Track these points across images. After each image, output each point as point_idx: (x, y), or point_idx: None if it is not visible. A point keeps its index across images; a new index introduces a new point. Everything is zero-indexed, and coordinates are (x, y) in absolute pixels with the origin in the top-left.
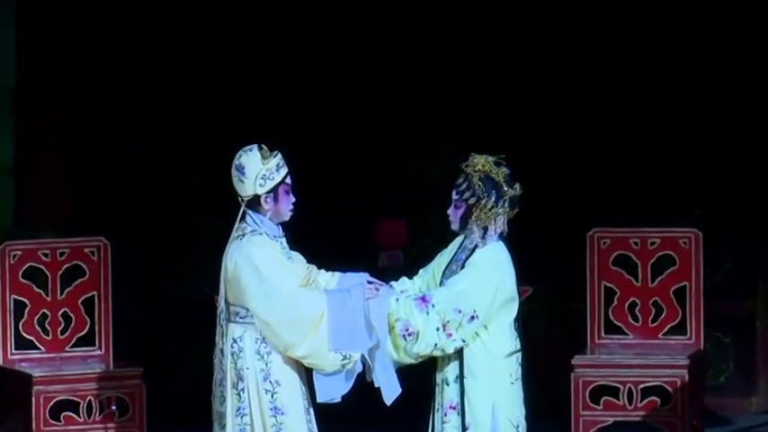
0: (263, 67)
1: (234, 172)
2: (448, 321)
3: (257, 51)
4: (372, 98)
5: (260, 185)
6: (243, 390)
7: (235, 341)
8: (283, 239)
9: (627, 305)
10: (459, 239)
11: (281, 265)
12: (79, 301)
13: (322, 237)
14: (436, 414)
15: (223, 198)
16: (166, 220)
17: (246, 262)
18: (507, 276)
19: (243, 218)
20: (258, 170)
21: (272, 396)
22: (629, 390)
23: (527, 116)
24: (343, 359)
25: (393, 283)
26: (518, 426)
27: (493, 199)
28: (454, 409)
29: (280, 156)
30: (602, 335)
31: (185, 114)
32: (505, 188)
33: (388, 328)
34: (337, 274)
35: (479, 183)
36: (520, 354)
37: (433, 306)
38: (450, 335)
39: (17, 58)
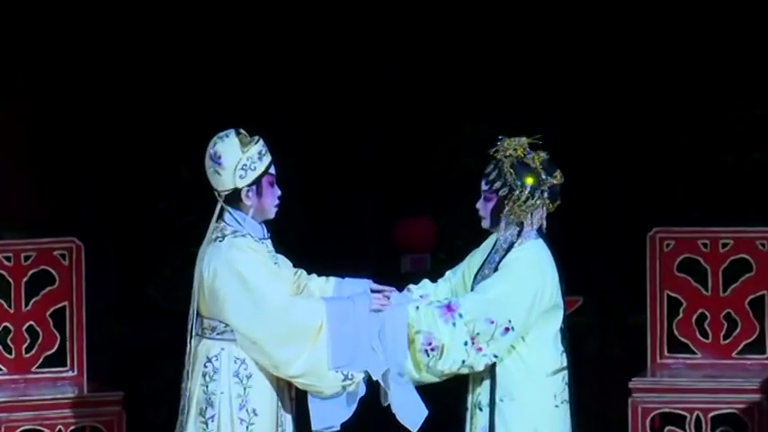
0: (257, 52)
1: (208, 162)
2: (478, 334)
3: (258, 37)
4: (389, 70)
5: (240, 177)
6: (212, 418)
7: (209, 360)
8: (269, 241)
9: (694, 318)
10: (492, 238)
11: (269, 271)
12: (47, 314)
13: (332, 240)
14: None
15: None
16: (151, 219)
17: (228, 269)
18: (548, 280)
19: (221, 216)
20: (237, 159)
21: (248, 428)
22: (697, 418)
23: (574, 96)
24: (344, 379)
25: (411, 286)
26: None
27: (528, 189)
28: None
29: (262, 142)
30: (665, 353)
31: (176, 101)
32: (543, 176)
33: (407, 342)
34: (333, 280)
35: (511, 170)
36: (566, 372)
37: (461, 316)
38: (481, 349)
39: None
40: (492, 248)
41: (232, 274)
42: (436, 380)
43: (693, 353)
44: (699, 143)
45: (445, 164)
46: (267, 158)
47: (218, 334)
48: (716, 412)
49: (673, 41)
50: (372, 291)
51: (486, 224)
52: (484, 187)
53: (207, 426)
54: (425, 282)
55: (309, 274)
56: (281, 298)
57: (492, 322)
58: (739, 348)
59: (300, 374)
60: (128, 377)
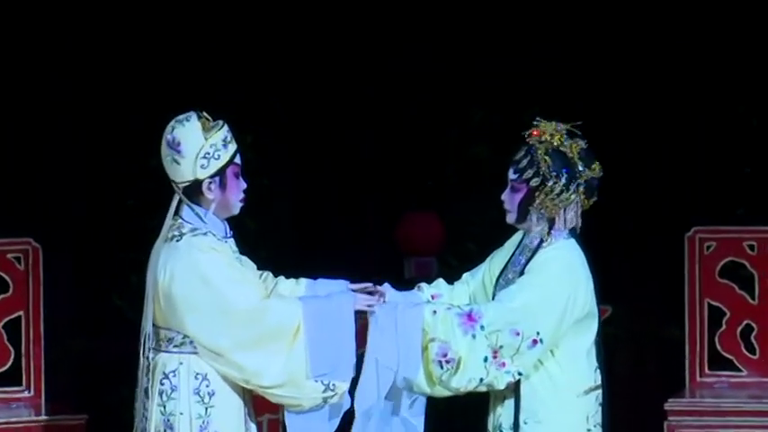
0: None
1: (165, 149)
2: (501, 347)
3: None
4: (389, 45)
5: (202, 167)
6: None
7: (166, 377)
8: (232, 240)
9: (739, 330)
10: (517, 236)
11: (235, 272)
12: (0, 325)
13: (325, 241)
14: None
15: None
16: (118, 218)
17: (188, 272)
18: (581, 285)
19: (178, 211)
20: (199, 146)
21: None
22: None
23: (605, 80)
24: (325, 390)
25: (423, 285)
26: None
27: (563, 180)
28: None
29: (226, 127)
30: (706, 371)
31: (148, 84)
32: (580, 167)
33: (420, 349)
34: (304, 281)
35: (546, 158)
36: (600, 392)
37: (483, 327)
38: (504, 364)
39: None
40: (516, 248)
41: (192, 277)
42: (450, 395)
43: (738, 370)
44: (743, 133)
45: (453, 154)
46: (232, 146)
47: (175, 346)
48: None
49: (718, 27)
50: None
51: (511, 218)
52: (512, 176)
53: None
54: (440, 281)
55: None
56: (250, 301)
57: (518, 334)
58: None
59: (275, 385)
60: (92, 397)
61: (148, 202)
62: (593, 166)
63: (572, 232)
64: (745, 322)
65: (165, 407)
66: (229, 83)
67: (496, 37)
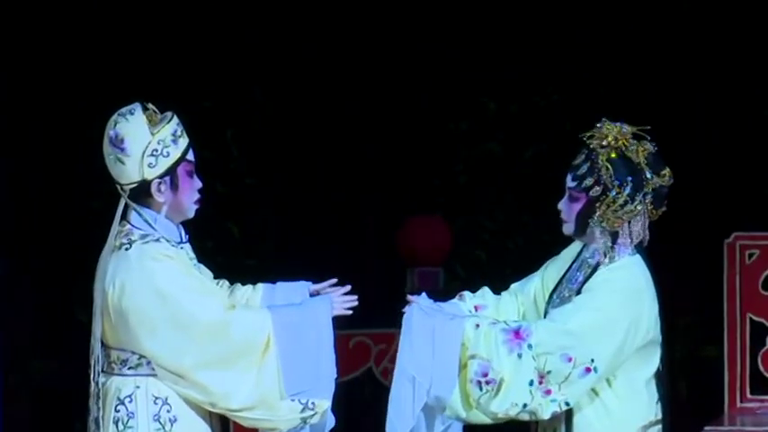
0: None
1: (108, 147)
2: (549, 372)
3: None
4: (394, 33)
5: (149, 166)
6: None
7: (121, 403)
8: (188, 246)
9: None
10: (575, 247)
11: (194, 282)
12: None
13: (317, 249)
14: None
15: None
16: (82, 223)
17: (141, 284)
18: (645, 310)
19: (125, 216)
20: (146, 143)
21: None
22: None
23: (634, 69)
24: (303, 410)
25: (466, 293)
26: None
27: (627, 190)
28: None
29: (176, 119)
30: (747, 395)
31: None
32: (648, 174)
33: (458, 366)
34: (261, 286)
35: (608, 165)
36: (660, 427)
37: (530, 347)
38: (550, 392)
39: None
40: (573, 262)
41: (146, 289)
42: (487, 421)
43: None
44: None
45: (463, 149)
46: (184, 141)
47: (129, 368)
48: None
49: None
50: (311, 294)
51: (569, 230)
52: (570, 183)
53: None
54: (486, 291)
55: None
56: (213, 313)
57: (569, 360)
58: None
59: (245, 408)
60: (54, 424)
61: (115, 204)
62: (662, 173)
63: (638, 247)
64: None
65: None
66: (209, 69)
67: (512, 22)
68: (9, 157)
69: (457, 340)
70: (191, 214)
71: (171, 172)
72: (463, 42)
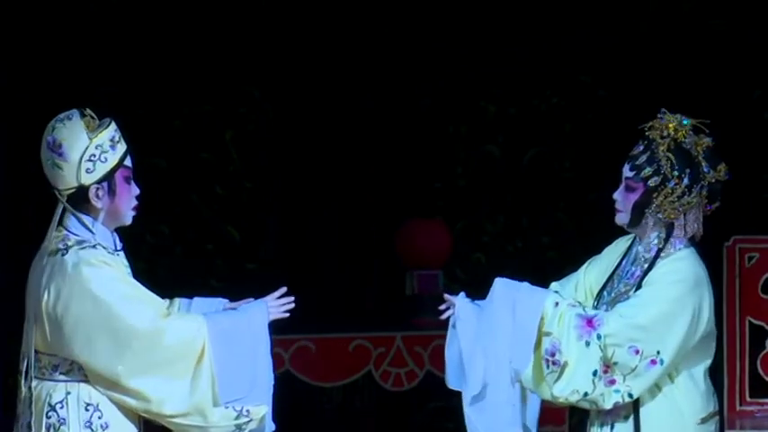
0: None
1: (45, 152)
2: (615, 363)
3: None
4: (392, 31)
5: (87, 172)
6: None
7: (52, 409)
8: (122, 253)
9: None
10: (620, 244)
11: (129, 289)
12: None
13: (315, 252)
14: None
15: (165, 185)
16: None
17: (77, 290)
18: (705, 302)
19: (62, 222)
20: (83, 148)
21: None
22: None
23: (638, 69)
24: (237, 417)
25: (555, 284)
26: None
27: (685, 182)
28: None
29: (114, 125)
30: (747, 398)
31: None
32: (705, 168)
33: (534, 339)
34: (178, 301)
35: (668, 155)
36: (717, 418)
37: (599, 337)
38: (614, 382)
39: None
40: (624, 256)
41: (81, 296)
42: (548, 399)
43: None
44: None
45: (463, 153)
46: (121, 147)
47: (61, 374)
48: None
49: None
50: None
51: (622, 220)
52: (628, 173)
53: None
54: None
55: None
56: (148, 320)
57: (637, 352)
58: None
59: (178, 414)
60: None
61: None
62: (718, 168)
63: (691, 241)
64: None
65: None
66: (208, 72)
67: (511, 25)
68: (8, 156)
69: (537, 313)
70: (128, 221)
71: (108, 178)
72: (462, 46)
